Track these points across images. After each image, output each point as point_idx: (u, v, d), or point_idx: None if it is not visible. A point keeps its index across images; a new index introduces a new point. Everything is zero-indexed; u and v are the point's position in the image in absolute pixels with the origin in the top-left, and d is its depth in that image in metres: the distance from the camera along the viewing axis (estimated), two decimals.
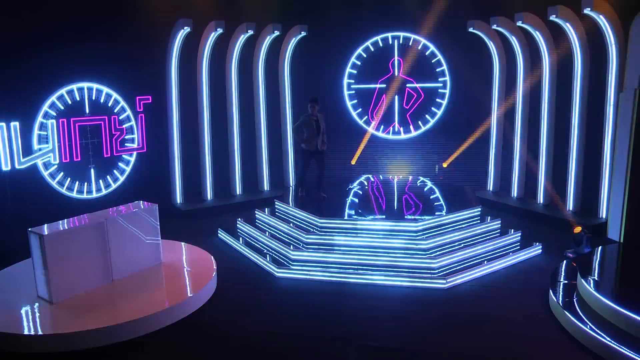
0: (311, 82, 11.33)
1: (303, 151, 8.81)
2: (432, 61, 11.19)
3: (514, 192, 10.12)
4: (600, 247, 6.99)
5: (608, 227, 8.22)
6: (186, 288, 6.20)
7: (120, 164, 9.66)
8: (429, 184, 9.63)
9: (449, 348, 5.12)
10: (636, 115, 7.66)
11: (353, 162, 11.57)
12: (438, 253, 6.96)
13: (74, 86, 8.87)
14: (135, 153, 9.75)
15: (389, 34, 11.25)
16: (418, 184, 9.68)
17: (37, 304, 5.78)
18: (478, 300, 6.16)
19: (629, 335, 4.91)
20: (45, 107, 8.54)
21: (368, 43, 11.34)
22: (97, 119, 9.10)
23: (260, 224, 8.45)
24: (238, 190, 10.70)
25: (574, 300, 5.69)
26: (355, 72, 11.47)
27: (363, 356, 5.01)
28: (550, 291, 5.93)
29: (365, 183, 9.83)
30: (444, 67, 11.13)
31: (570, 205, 9.06)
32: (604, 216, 8.49)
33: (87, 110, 9.05)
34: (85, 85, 9.00)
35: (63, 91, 8.75)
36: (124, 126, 9.52)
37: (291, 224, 7.85)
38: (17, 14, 8.27)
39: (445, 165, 11.22)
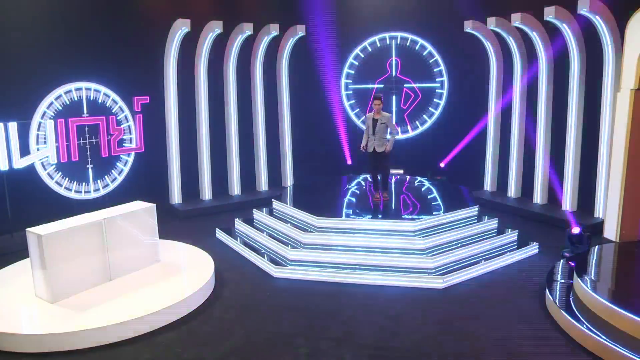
0: (309, 82, 11.36)
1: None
2: (430, 61, 11.23)
3: (511, 191, 10.15)
4: (596, 247, 7.02)
5: (604, 226, 8.25)
6: (184, 288, 6.20)
7: (118, 164, 9.66)
8: (427, 184, 9.65)
9: (446, 347, 5.15)
10: (632, 115, 7.70)
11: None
12: (435, 253, 6.99)
13: (72, 86, 8.87)
14: (133, 153, 9.76)
15: (387, 35, 11.29)
16: (415, 184, 9.70)
17: (35, 304, 5.79)
18: (475, 299, 6.18)
19: (625, 334, 4.94)
20: (43, 107, 8.54)
21: (366, 43, 11.38)
22: (95, 119, 9.11)
23: (258, 224, 8.46)
24: (236, 190, 10.71)
25: (571, 299, 5.72)
26: (352, 72, 11.49)
27: (360, 356, 5.03)
28: (547, 290, 5.95)
29: (363, 183, 9.84)
30: (442, 67, 11.17)
31: (567, 204, 9.10)
32: (600, 216, 8.53)
33: (85, 111, 9.05)
34: (83, 85, 9.00)
35: (61, 91, 8.75)
36: (122, 126, 9.53)
37: (289, 224, 7.87)
38: (16, 14, 8.28)
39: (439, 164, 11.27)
